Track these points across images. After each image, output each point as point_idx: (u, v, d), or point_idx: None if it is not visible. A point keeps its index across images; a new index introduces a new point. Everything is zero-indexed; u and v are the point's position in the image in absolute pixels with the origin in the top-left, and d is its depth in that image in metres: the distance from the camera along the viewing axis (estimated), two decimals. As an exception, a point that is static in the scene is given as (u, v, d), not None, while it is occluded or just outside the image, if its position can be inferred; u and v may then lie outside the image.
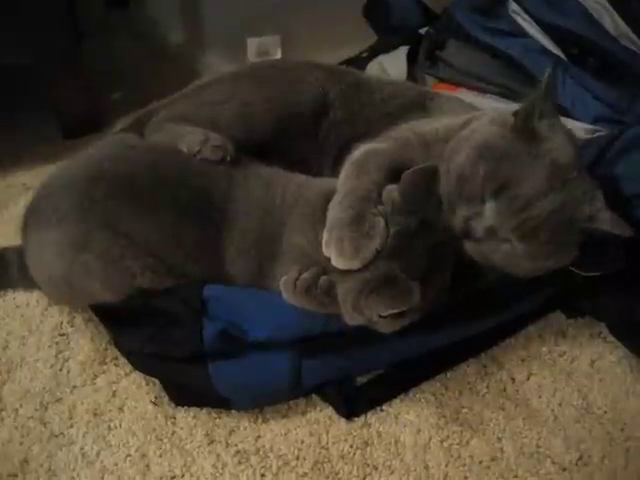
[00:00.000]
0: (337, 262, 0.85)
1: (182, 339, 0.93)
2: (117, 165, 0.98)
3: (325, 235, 0.88)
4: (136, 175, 0.97)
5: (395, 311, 0.82)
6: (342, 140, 1.10)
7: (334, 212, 0.90)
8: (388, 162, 0.96)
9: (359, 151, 0.99)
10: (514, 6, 1.32)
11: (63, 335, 1.08)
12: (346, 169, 0.97)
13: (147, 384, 1.01)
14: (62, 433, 0.95)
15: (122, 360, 1.03)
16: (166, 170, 0.98)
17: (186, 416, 0.97)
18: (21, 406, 0.98)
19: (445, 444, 0.94)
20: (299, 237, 0.94)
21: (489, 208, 0.89)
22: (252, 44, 1.64)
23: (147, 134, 1.09)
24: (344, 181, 0.95)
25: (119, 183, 0.96)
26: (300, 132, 1.10)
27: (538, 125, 0.90)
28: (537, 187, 0.87)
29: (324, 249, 0.87)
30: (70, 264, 0.95)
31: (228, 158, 1.00)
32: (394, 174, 0.94)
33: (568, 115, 1.18)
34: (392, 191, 0.89)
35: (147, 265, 0.95)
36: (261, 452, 0.93)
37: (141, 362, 1.00)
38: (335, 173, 1.01)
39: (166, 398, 0.99)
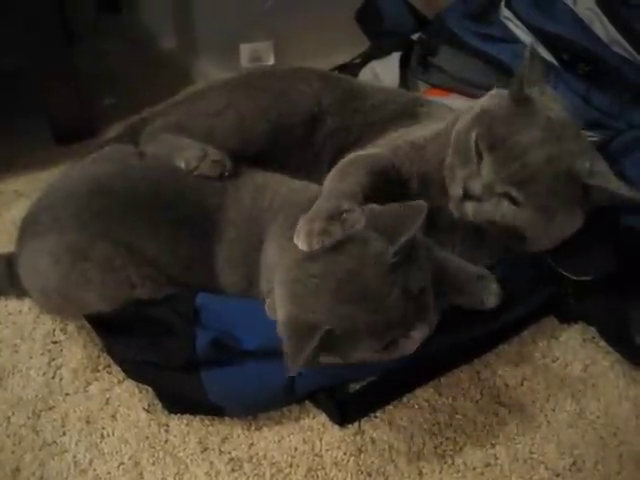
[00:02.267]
0: (298, 240, 0.84)
1: (175, 348, 0.94)
2: (116, 181, 0.99)
3: (300, 221, 0.87)
4: (135, 192, 0.98)
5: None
6: (336, 147, 1.10)
7: (314, 205, 0.91)
8: (372, 166, 0.98)
9: (346, 157, 1.01)
10: (505, 12, 1.32)
11: (55, 343, 1.07)
12: (331, 173, 0.99)
13: (140, 392, 1.00)
14: (54, 441, 0.95)
15: (115, 368, 1.03)
16: (163, 188, 0.99)
17: (179, 424, 0.97)
18: (13, 414, 0.98)
19: (439, 450, 0.94)
20: (277, 243, 0.93)
21: (485, 163, 0.92)
22: (245, 50, 1.64)
23: (142, 143, 1.09)
24: (328, 183, 0.97)
25: (118, 199, 0.97)
26: (296, 141, 1.10)
27: (530, 91, 0.95)
28: (530, 137, 0.91)
29: (294, 236, 0.85)
30: (67, 273, 0.95)
31: (226, 174, 1.00)
32: (379, 178, 0.95)
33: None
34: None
35: (147, 275, 0.96)
36: (254, 459, 0.93)
37: (134, 370, 1.00)
38: None
39: (159, 406, 0.98)
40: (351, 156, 1.02)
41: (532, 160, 0.90)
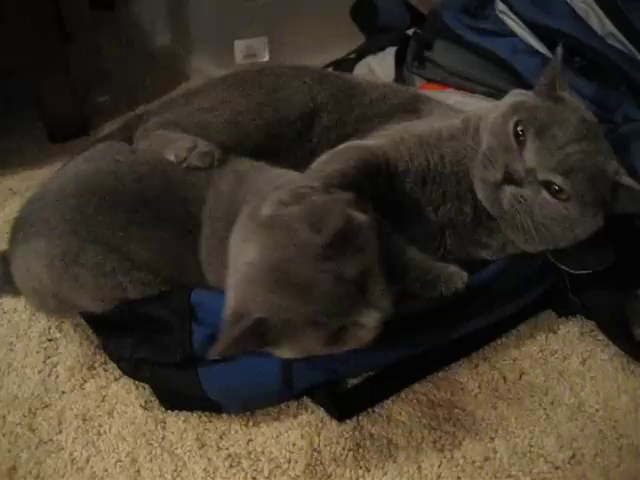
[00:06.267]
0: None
1: (171, 345, 0.93)
2: (106, 180, 0.97)
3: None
4: (123, 191, 0.96)
5: None
6: (332, 143, 1.10)
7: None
8: (362, 156, 0.96)
9: (343, 144, 1.01)
10: (501, 6, 1.31)
11: (51, 340, 1.07)
12: (323, 156, 0.99)
13: (137, 388, 1.00)
14: (51, 439, 0.95)
15: (111, 365, 1.02)
16: (150, 186, 0.97)
17: (176, 420, 0.96)
18: (9, 412, 0.97)
19: (438, 445, 0.94)
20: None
21: (529, 148, 0.91)
22: (239, 46, 1.63)
23: (136, 140, 1.08)
24: (315, 164, 0.97)
25: (108, 198, 0.95)
26: (291, 137, 1.10)
27: (561, 94, 0.97)
28: (573, 130, 0.92)
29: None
30: (60, 276, 0.94)
31: (215, 164, 1.00)
32: (368, 169, 0.95)
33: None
34: None
35: (139, 278, 0.95)
36: (252, 455, 0.93)
37: (130, 368, 0.99)
38: None
39: (156, 402, 0.98)
40: (348, 143, 1.02)
41: (574, 151, 0.90)
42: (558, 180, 0.90)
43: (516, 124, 0.93)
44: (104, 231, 0.94)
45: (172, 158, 1.00)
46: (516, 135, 0.93)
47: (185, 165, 0.99)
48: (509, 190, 0.92)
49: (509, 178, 0.92)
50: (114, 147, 1.06)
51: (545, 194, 0.91)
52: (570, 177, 0.90)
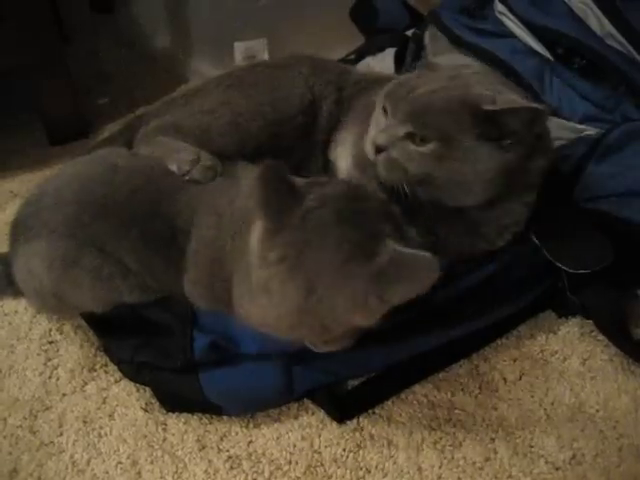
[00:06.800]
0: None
1: (173, 350, 0.93)
2: (103, 189, 0.96)
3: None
4: (118, 201, 0.95)
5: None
6: (332, 125, 1.11)
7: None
8: None
9: None
10: (500, 7, 1.31)
11: (52, 342, 1.07)
12: None
13: (137, 390, 1.00)
14: (52, 442, 0.95)
15: (112, 367, 1.02)
16: (141, 201, 0.96)
17: (177, 422, 0.96)
18: (10, 415, 0.98)
19: (438, 445, 0.94)
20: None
21: (389, 116, 0.93)
22: (239, 48, 1.63)
23: (136, 145, 1.08)
24: None
25: (105, 207, 0.95)
26: (293, 135, 1.09)
27: (434, 60, 1.06)
28: (429, 85, 0.92)
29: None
30: (60, 277, 0.94)
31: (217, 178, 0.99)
32: None
33: (556, 114, 1.19)
34: None
35: (136, 284, 0.95)
36: (253, 457, 0.93)
37: (131, 371, 0.99)
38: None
39: (157, 404, 0.98)
40: None
41: (419, 95, 0.90)
42: (409, 127, 0.90)
43: (383, 104, 0.94)
44: (101, 238, 0.94)
45: (174, 169, 0.98)
46: (384, 112, 0.94)
47: (187, 179, 0.97)
48: (380, 159, 0.92)
49: (378, 149, 0.92)
50: (112, 153, 1.05)
51: (410, 145, 0.91)
52: (419, 119, 0.89)
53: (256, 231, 0.81)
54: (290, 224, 0.77)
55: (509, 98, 0.90)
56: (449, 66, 0.98)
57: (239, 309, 0.87)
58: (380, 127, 0.94)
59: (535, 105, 0.90)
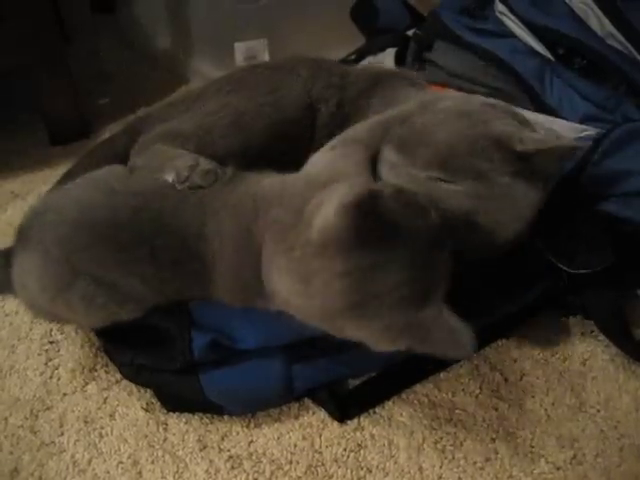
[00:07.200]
0: None
1: (172, 352, 0.92)
2: (101, 213, 0.93)
3: None
4: (119, 225, 0.92)
5: None
6: (337, 125, 1.10)
7: None
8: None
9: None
10: (500, 7, 1.32)
11: (53, 343, 1.07)
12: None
13: (138, 390, 1.00)
14: (52, 441, 0.95)
15: (112, 367, 1.02)
16: (145, 219, 0.92)
17: (178, 422, 0.96)
18: (11, 415, 0.97)
19: (439, 445, 0.94)
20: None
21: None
22: (239, 48, 1.63)
23: (133, 155, 1.05)
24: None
25: (103, 232, 0.91)
26: (296, 134, 1.09)
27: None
28: (435, 119, 0.92)
29: None
30: (54, 299, 0.92)
31: (217, 182, 0.96)
32: None
33: (556, 115, 1.19)
34: None
35: (132, 309, 0.93)
36: (254, 457, 0.93)
37: (131, 373, 0.99)
38: None
39: (157, 404, 0.98)
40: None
41: (438, 139, 0.89)
42: (435, 173, 0.88)
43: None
44: (96, 265, 0.91)
45: (172, 178, 0.95)
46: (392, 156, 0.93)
47: (187, 184, 0.93)
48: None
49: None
50: (112, 173, 1.01)
51: (438, 184, 0.88)
52: (447, 165, 0.87)
53: (331, 217, 0.77)
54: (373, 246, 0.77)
55: (539, 138, 0.88)
56: (452, 95, 0.96)
57: (268, 283, 0.85)
58: (392, 176, 0.91)
59: (566, 143, 0.89)
